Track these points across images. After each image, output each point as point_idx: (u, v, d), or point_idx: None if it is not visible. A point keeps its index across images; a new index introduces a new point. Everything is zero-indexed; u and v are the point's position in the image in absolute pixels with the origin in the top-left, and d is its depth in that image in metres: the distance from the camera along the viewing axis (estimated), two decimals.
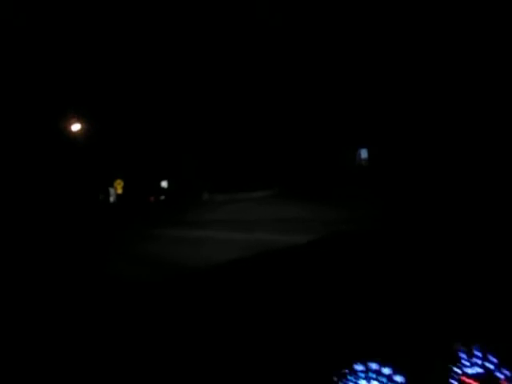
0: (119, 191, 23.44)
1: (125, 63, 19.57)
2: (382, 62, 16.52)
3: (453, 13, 14.68)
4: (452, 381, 1.39)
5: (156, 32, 18.48)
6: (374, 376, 1.42)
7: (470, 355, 1.43)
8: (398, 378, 1.40)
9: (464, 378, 1.38)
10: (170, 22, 18.33)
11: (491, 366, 1.41)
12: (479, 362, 1.42)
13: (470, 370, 1.41)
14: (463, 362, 1.41)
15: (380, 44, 16.30)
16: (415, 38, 15.67)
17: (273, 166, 18.31)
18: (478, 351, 1.43)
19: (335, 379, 1.41)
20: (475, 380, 1.38)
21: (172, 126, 20.83)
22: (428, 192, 9.03)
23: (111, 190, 23.87)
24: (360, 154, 18.70)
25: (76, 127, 21.66)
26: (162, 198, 24.12)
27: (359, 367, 1.42)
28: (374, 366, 1.43)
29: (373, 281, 2.04)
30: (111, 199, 24.13)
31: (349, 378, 1.41)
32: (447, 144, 13.57)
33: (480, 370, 1.39)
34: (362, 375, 1.43)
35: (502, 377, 1.40)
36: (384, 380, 1.42)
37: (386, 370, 1.41)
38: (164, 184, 24.64)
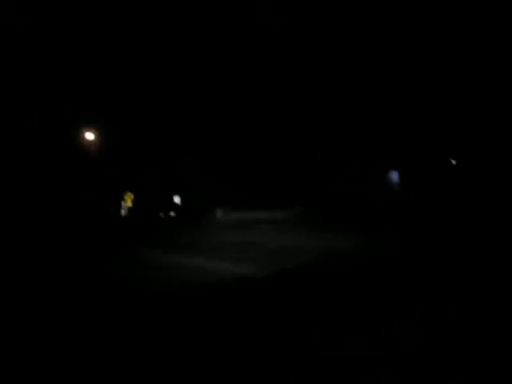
0: (129, 204, 22.63)
1: (128, 67, 18.29)
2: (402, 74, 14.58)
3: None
4: None
5: (158, 34, 17.45)
6: None
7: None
8: None
9: None
10: (171, 25, 17.29)
11: None
12: None
13: None
14: None
15: (383, 45, 14.87)
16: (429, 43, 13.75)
17: (298, 184, 17.10)
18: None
19: None
20: None
21: (187, 139, 19.57)
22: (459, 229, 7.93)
23: (122, 203, 22.67)
24: (392, 177, 17.07)
25: (90, 136, 20.28)
26: (173, 214, 22.59)
27: None
28: None
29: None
30: (122, 212, 22.59)
31: None
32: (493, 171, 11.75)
33: None
34: None
35: None
36: None
37: None
38: (176, 199, 23.17)
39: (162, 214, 22.25)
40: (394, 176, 16.74)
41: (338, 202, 14.61)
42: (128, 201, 23.24)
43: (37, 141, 17.59)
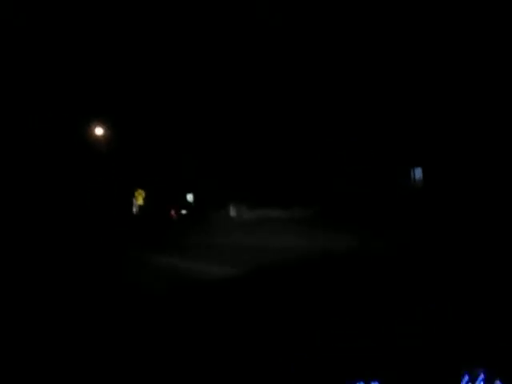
0: (140, 202, 22.27)
1: (127, 64, 18.44)
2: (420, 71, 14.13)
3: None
4: None
5: (158, 34, 17.46)
6: None
7: (475, 380, 1.82)
8: None
9: None
10: (172, 26, 17.33)
11: None
12: None
13: None
14: None
15: (387, 45, 14.60)
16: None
17: (316, 180, 16.75)
18: (484, 376, 1.82)
19: None
20: None
21: (195, 137, 19.53)
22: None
23: (134, 201, 22.39)
24: (414, 174, 16.21)
25: (99, 131, 20.14)
26: (184, 212, 22.31)
27: None
28: None
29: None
30: (134, 210, 22.31)
31: None
32: None
33: None
34: None
35: None
36: None
37: None
38: (189, 197, 22.73)
39: (173, 213, 21.97)
40: (417, 173, 16.26)
41: (339, 202, 14.45)
42: (139, 198, 22.86)
43: (43, 140, 17.68)
